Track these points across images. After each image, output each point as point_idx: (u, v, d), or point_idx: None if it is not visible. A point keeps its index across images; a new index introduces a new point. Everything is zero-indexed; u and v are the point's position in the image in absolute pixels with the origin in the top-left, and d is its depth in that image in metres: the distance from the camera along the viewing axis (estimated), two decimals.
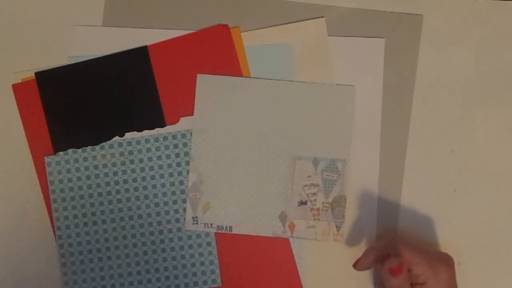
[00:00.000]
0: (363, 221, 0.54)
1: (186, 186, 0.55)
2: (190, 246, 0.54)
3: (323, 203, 0.54)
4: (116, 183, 0.54)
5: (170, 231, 0.54)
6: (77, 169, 0.54)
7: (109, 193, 0.54)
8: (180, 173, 0.55)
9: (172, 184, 0.54)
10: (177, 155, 0.55)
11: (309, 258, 0.54)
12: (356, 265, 0.51)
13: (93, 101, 0.55)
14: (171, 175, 0.54)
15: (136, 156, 0.54)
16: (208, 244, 0.55)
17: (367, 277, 0.54)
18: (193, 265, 0.54)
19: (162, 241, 0.54)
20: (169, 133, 0.54)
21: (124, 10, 0.55)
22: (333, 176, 0.54)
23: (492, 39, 0.55)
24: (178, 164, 0.55)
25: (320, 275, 0.54)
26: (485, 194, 0.54)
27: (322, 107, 0.55)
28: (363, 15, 0.55)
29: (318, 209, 0.54)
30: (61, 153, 0.54)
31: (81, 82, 0.55)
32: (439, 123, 0.55)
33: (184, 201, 0.55)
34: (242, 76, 0.55)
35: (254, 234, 0.54)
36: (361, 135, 0.54)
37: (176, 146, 0.54)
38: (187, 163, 0.55)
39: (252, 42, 0.55)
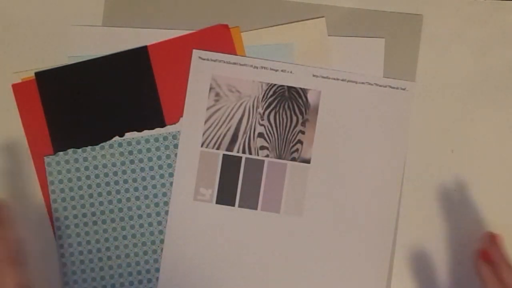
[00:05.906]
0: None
1: None
2: None
3: None
4: (116, 183, 0.54)
5: None
6: (77, 169, 0.54)
7: (109, 193, 0.54)
8: None
9: (172, 184, 0.54)
10: (177, 155, 0.54)
11: None
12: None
13: (93, 101, 0.55)
14: (171, 175, 0.54)
15: (136, 156, 0.54)
16: None
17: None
18: None
19: (162, 241, 0.54)
20: (169, 133, 0.54)
21: (124, 10, 0.55)
22: None
23: (492, 39, 0.55)
24: None
25: None
26: (485, 194, 0.54)
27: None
28: (363, 15, 0.55)
29: None
30: (61, 153, 0.54)
31: (81, 82, 0.55)
32: (439, 123, 0.55)
33: None
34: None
35: None
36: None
37: (176, 146, 0.54)
38: None
39: (252, 42, 0.55)
